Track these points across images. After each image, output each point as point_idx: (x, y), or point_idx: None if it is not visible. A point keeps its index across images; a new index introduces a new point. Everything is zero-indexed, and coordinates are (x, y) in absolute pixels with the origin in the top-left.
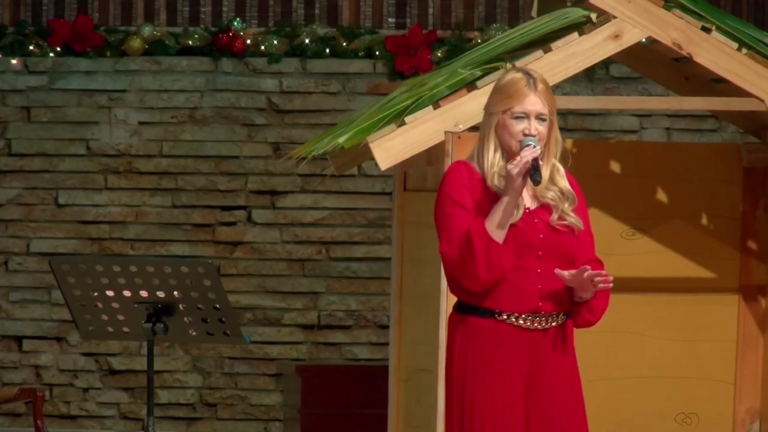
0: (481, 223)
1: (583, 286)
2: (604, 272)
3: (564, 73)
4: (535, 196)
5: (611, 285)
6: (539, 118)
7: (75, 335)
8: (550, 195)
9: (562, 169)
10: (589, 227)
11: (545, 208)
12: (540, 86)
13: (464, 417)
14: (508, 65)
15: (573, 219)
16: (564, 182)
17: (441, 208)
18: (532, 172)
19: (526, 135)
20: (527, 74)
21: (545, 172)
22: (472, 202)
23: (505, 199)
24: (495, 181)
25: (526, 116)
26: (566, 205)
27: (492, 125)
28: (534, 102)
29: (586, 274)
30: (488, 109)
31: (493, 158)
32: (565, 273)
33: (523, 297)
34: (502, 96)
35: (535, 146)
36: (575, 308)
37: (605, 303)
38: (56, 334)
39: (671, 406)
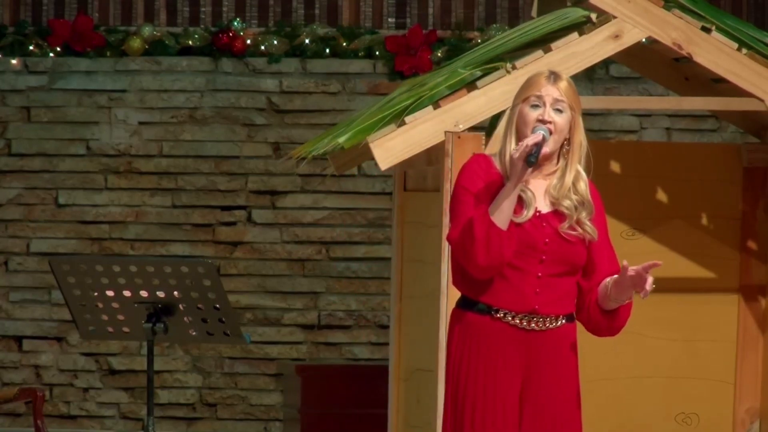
0: (485, 209)
1: (640, 283)
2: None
3: (564, 73)
4: (552, 203)
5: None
6: (556, 108)
7: (75, 335)
8: (567, 203)
9: (585, 177)
10: (607, 238)
11: (558, 214)
12: (562, 83)
13: (456, 411)
14: (508, 65)
15: (588, 228)
16: (585, 190)
17: (454, 196)
18: (530, 154)
19: (540, 121)
20: (551, 71)
21: (569, 177)
22: (484, 191)
23: (508, 184)
24: None
25: (541, 103)
26: (583, 215)
27: (514, 118)
28: (551, 91)
29: (650, 271)
30: (512, 103)
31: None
32: (631, 269)
33: (520, 297)
34: (523, 88)
35: (541, 133)
36: (606, 316)
37: (629, 309)
38: (56, 334)
39: (671, 406)
